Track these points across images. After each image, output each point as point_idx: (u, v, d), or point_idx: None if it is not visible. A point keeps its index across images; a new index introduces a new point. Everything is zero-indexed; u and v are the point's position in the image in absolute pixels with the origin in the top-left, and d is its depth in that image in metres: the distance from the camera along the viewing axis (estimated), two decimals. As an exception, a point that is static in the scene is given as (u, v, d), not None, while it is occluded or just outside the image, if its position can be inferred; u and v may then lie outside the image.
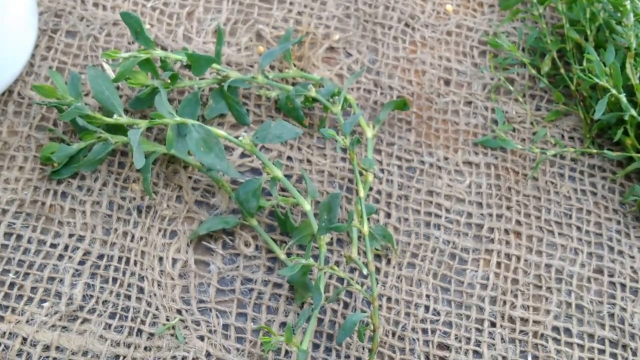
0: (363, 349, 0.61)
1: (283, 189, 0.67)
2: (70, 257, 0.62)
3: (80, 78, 0.65)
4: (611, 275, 0.67)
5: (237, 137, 0.65)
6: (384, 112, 0.70)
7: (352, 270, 0.64)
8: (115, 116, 0.64)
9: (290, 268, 0.57)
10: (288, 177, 0.67)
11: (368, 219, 0.62)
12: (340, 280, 0.64)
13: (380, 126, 0.71)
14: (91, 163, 0.64)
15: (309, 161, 0.69)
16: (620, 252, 0.68)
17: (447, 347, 0.62)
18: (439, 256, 0.66)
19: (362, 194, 0.62)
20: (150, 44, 0.65)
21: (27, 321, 0.59)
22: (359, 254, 0.62)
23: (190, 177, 0.67)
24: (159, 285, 0.62)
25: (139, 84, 0.67)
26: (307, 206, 0.63)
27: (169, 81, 0.67)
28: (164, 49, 0.73)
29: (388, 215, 0.68)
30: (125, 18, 0.65)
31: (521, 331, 0.64)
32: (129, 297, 0.61)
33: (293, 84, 0.73)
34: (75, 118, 0.63)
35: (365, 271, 0.59)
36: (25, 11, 0.66)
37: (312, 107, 0.72)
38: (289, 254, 0.65)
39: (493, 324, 0.64)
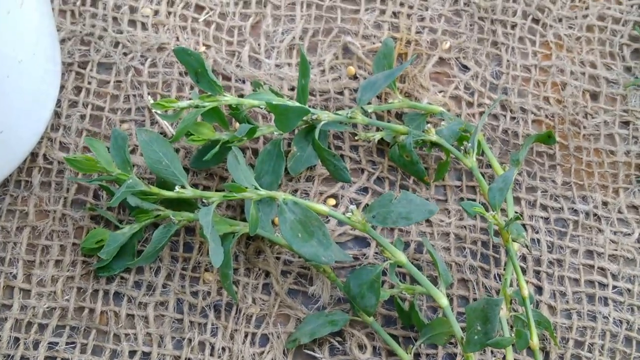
0: None
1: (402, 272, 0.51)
2: (134, 386, 0.47)
3: (126, 138, 0.48)
4: None
5: (346, 210, 0.49)
6: (524, 149, 0.53)
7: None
8: (177, 189, 0.48)
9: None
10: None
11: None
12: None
13: (520, 168, 0.54)
14: (151, 255, 0.49)
15: (427, 221, 0.53)
16: None
17: None
18: (610, 343, 0.50)
19: (525, 292, 0.46)
20: (217, 89, 0.48)
21: None
22: None
23: (278, 258, 0.51)
24: (253, 415, 0.47)
25: (204, 140, 0.50)
26: (444, 300, 0.47)
27: (239, 133, 0.50)
28: (226, 78, 0.56)
29: (539, 290, 0.52)
30: (180, 56, 0.48)
31: None
32: None
33: (397, 115, 0.55)
34: (126, 198, 0.47)
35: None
36: (42, 42, 0.48)
37: (428, 153, 0.54)
38: (416, 355, 0.49)
39: None
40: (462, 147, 0.51)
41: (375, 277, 0.46)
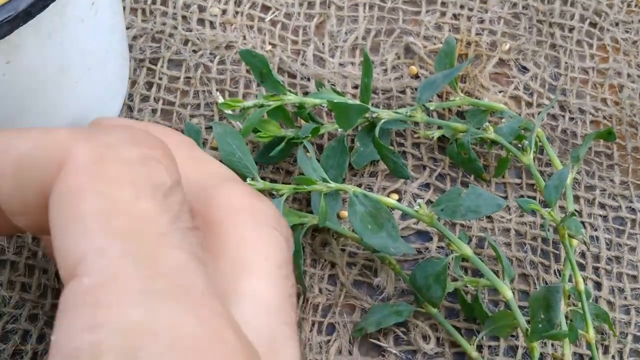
0: None
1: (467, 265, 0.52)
2: (206, 369, 0.49)
3: (199, 132, 0.50)
4: None
5: (409, 205, 0.50)
6: (584, 146, 0.54)
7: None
8: (249, 180, 0.49)
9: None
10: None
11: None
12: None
13: (579, 166, 0.55)
14: (223, 244, 0.50)
15: (488, 218, 0.54)
16: None
17: None
18: (668, 338, 0.51)
19: (581, 286, 0.47)
20: (280, 89, 0.50)
21: None
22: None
23: (343, 250, 0.52)
24: (321, 400, 0.48)
25: (270, 136, 0.52)
26: (509, 293, 0.48)
27: (302, 133, 0.52)
28: (291, 76, 0.58)
29: (598, 286, 0.53)
30: (246, 57, 0.50)
31: None
32: (285, 419, 0.48)
33: (459, 113, 0.57)
34: (200, 189, 0.49)
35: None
36: (114, 39, 0.50)
37: (488, 150, 0.56)
38: (479, 347, 0.50)
39: None
40: (520, 145, 0.52)
41: (442, 270, 0.48)
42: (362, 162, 0.55)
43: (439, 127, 0.55)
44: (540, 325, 0.45)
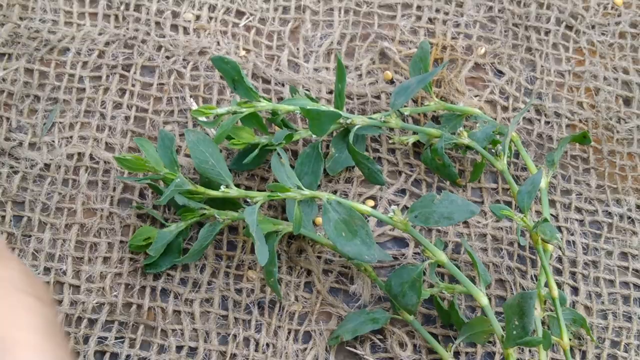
0: None
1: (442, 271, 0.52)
2: (181, 380, 0.48)
3: (173, 139, 0.50)
4: None
5: (385, 211, 0.50)
6: (559, 150, 0.54)
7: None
8: (222, 188, 0.49)
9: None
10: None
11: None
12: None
13: (555, 169, 0.55)
14: (197, 252, 0.50)
15: (464, 223, 0.54)
16: None
17: None
18: (645, 342, 0.51)
19: (555, 292, 0.47)
20: (253, 95, 0.50)
21: None
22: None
23: (319, 257, 0.52)
24: (297, 410, 0.48)
25: (244, 143, 0.51)
26: (484, 299, 0.48)
27: (276, 139, 0.52)
28: (265, 81, 0.57)
29: (574, 291, 0.53)
30: (218, 64, 0.49)
31: None
32: None
33: (434, 118, 0.57)
34: (174, 197, 0.48)
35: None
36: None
37: (463, 155, 0.56)
38: (456, 354, 0.50)
39: None
40: (494, 150, 0.52)
41: (417, 276, 0.47)
42: (337, 168, 0.54)
43: (414, 133, 0.55)
44: (514, 332, 0.44)
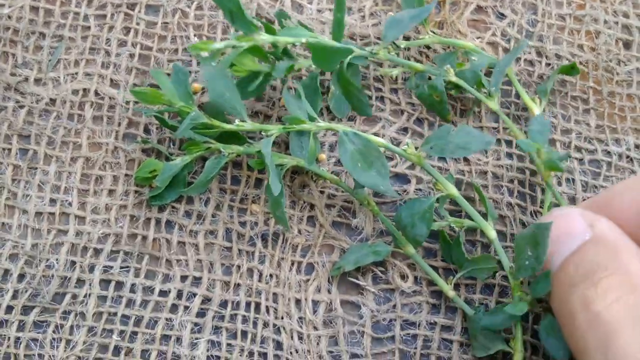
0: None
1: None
2: (186, 308, 0.49)
3: (187, 73, 0.50)
4: None
5: (397, 144, 0.50)
6: (550, 80, 0.55)
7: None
8: (237, 122, 0.49)
9: (491, 315, 0.44)
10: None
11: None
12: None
13: (548, 101, 0.55)
14: (203, 184, 0.50)
15: (465, 160, 0.55)
16: None
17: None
18: (642, 277, 0.52)
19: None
20: (252, 28, 0.49)
21: (144, 400, 0.46)
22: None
23: (322, 192, 0.53)
24: (300, 337, 0.49)
25: (246, 70, 0.52)
26: (492, 233, 0.48)
27: (277, 73, 0.52)
28: (269, 22, 0.57)
29: (573, 227, 0.53)
30: None
31: None
32: (264, 356, 0.48)
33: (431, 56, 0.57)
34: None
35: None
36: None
37: (456, 95, 0.56)
38: (456, 285, 0.51)
39: None
40: (486, 91, 0.52)
41: (428, 208, 0.48)
42: (340, 106, 0.55)
43: (396, 66, 0.55)
44: (527, 262, 0.45)
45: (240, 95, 0.52)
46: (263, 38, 0.49)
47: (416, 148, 0.49)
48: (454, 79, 0.53)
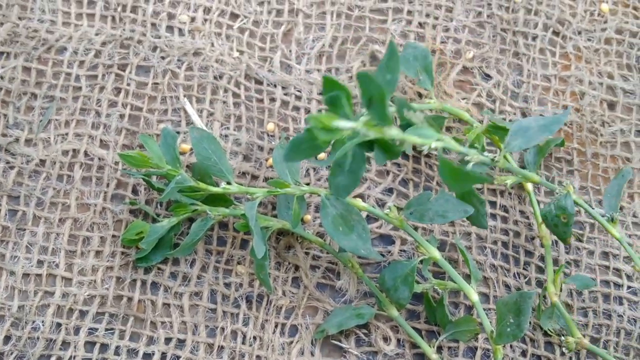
0: None
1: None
2: (169, 371, 0.49)
3: (176, 137, 0.51)
4: None
5: (382, 205, 0.51)
6: (541, 154, 0.55)
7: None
8: (223, 184, 0.50)
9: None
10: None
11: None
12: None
13: (537, 170, 0.56)
14: (189, 247, 0.51)
15: (450, 222, 0.55)
16: None
17: None
18: (625, 340, 0.52)
19: (553, 297, 0.48)
20: (388, 122, 0.39)
21: None
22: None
23: (307, 253, 0.53)
24: (282, 401, 0.49)
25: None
26: (475, 296, 0.49)
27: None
28: (258, 82, 0.58)
29: (557, 289, 0.54)
30: (362, 81, 0.38)
31: None
32: (246, 420, 0.49)
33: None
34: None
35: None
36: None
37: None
38: (439, 348, 0.51)
39: None
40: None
41: (410, 271, 0.49)
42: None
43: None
44: (508, 329, 0.45)
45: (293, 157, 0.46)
46: (393, 133, 0.40)
47: (400, 209, 0.49)
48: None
